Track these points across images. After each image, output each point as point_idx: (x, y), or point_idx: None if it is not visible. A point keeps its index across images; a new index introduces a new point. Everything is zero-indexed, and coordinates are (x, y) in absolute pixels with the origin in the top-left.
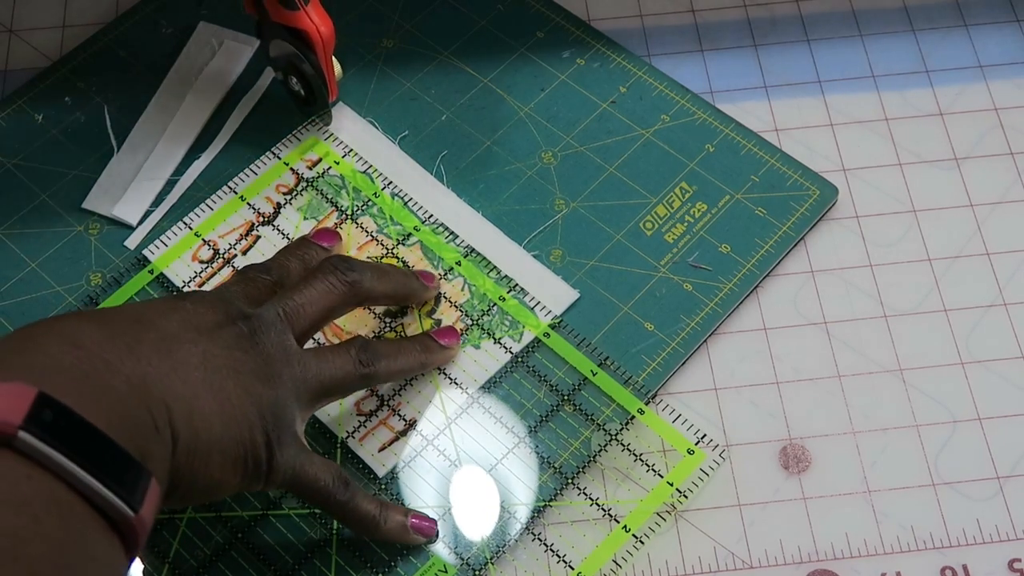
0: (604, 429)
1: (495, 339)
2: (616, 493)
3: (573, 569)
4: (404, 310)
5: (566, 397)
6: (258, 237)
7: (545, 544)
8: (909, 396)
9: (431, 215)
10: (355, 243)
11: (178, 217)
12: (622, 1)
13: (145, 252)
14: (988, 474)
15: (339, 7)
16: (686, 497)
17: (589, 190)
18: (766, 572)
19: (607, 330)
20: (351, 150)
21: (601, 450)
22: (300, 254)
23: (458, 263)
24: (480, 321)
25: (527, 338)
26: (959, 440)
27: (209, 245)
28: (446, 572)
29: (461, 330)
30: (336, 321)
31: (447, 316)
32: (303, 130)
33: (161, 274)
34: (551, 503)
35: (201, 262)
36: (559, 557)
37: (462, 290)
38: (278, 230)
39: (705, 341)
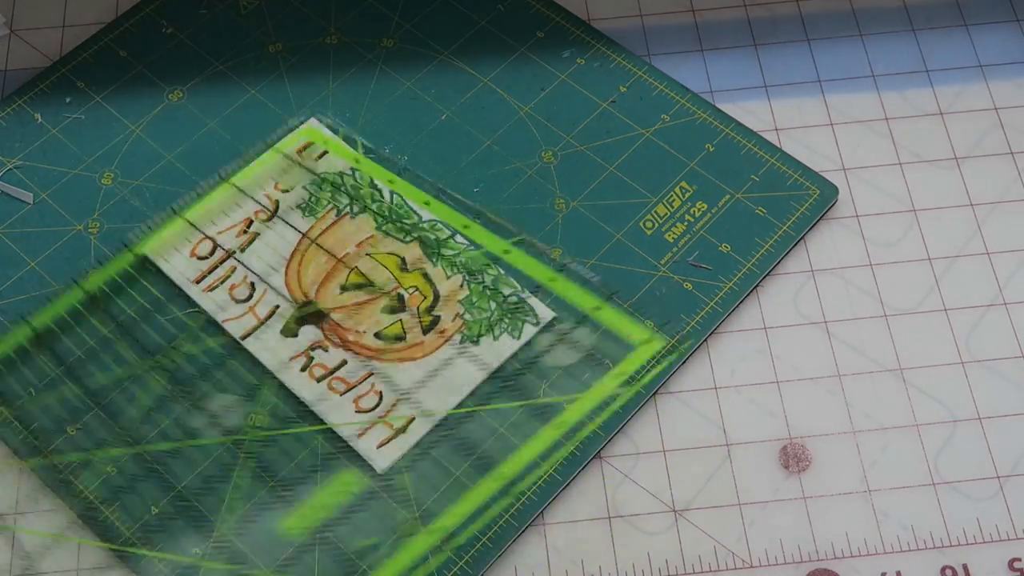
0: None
1: (494, 336)
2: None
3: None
4: (403, 306)
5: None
6: (257, 234)
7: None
8: (909, 395)
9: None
10: (354, 241)
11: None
12: (622, 1)
13: (145, 250)
14: (988, 474)
15: (339, 7)
16: (634, 387)
17: (589, 189)
18: (766, 571)
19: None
20: (355, 139)
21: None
22: None
23: (458, 259)
24: (479, 318)
25: (528, 334)
26: (959, 440)
27: (208, 241)
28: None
29: (459, 327)
30: (335, 318)
31: (446, 313)
32: (303, 128)
33: (146, 258)
34: (485, 407)
35: (200, 258)
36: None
37: (461, 287)
38: (277, 227)
39: (705, 340)
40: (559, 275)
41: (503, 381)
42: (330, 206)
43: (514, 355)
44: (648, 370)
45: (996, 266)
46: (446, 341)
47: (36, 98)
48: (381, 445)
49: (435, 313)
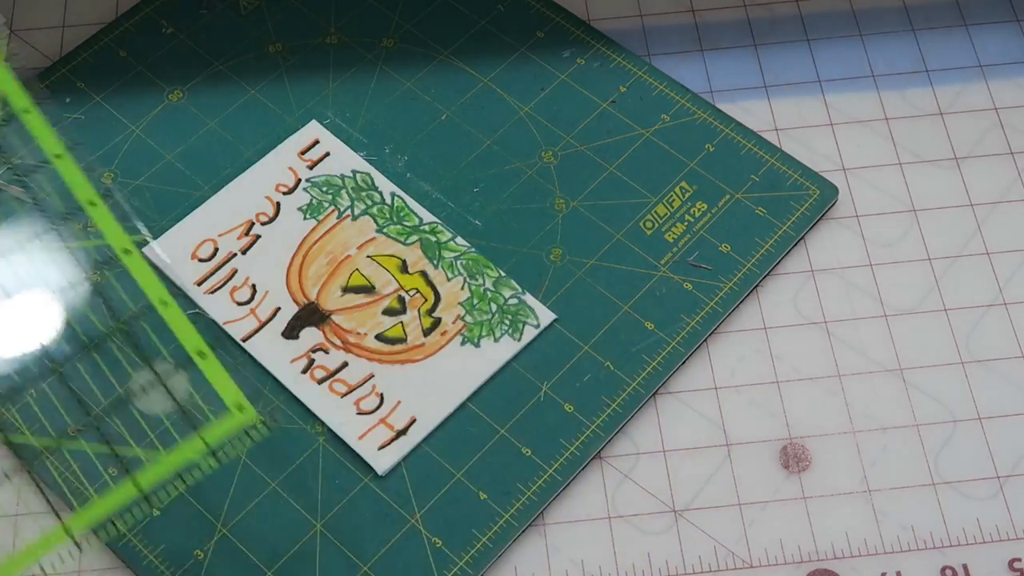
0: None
1: (495, 338)
2: (145, 442)
3: (61, 519)
4: (404, 308)
5: (123, 324)
6: (258, 236)
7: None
8: (909, 396)
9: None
10: (355, 243)
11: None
12: (622, 1)
13: (144, 251)
14: (988, 474)
15: (339, 7)
16: (219, 460)
17: (589, 189)
18: (766, 572)
19: (607, 329)
20: (350, 137)
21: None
22: None
23: (459, 261)
24: (480, 320)
25: (528, 336)
26: (959, 440)
27: (210, 243)
28: None
29: (460, 329)
30: (335, 319)
31: (447, 315)
32: (303, 131)
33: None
34: (60, 444)
35: (201, 260)
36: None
37: (462, 289)
38: (278, 230)
39: (705, 340)
40: (171, 301)
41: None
42: (332, 208)
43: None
44: (236, 445)
45: (996, 266)
46: (447, 343)
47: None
48: (382, 447)
49: (436, 315)
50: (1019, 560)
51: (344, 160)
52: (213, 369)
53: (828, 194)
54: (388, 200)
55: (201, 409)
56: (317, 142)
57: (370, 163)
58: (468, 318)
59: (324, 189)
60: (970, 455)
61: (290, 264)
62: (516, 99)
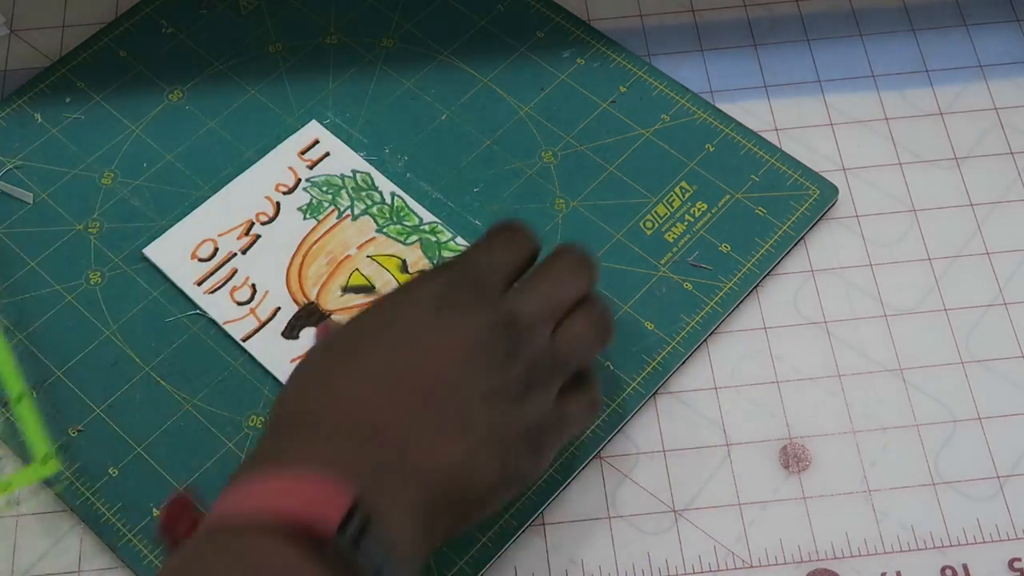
0: None
1: None
2: None
3: None
4: None
5: None
6: (258, 236)
7: None
8: (909, 396)
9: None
10: (355, 243)
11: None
12: (622, 1)
13: (145, 251)
14: (988, 474)
15: (339, 7)
16: (18, 504)
17: (589, 189)
18: (766, 571)
19: None
20: (350, 137)
21: None
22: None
23: None
24: None
25: None
26: (959, 440)
27: (210, 243)
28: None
29: None
30: (336, 319)
31: None
32: (303, 131)
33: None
34: None
35: (201, 260)
36: None
37: None
38: (278, 230)
39: (705, 340)
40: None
41: None
42: (332, 208)
43: None
44: (32, 495)
45: (996, 266)
46: None
47: (36, 98)
48: None
49: None
50: (1019, 560)
51: (344, 160)
52: (27, 415)
53: (828, 194)
54: (388, 200)
55: (9, 453)
56: (317, 142)
57: (370, 163)
58: None
59: (324, 189)
60: (970, 455)
61: (290, 264)
62: (516, 99)
